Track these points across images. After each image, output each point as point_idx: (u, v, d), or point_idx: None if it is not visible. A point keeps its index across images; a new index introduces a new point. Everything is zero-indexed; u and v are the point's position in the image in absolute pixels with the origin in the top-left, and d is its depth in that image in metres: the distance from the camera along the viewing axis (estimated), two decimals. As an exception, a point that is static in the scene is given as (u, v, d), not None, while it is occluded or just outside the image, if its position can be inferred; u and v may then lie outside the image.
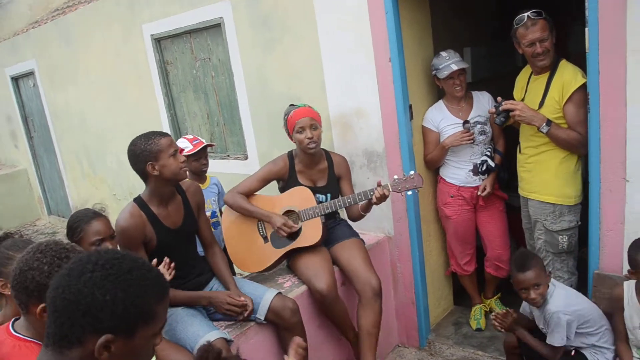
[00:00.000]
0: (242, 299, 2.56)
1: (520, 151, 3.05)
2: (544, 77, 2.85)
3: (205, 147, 3.24)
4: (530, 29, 2.73)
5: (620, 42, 2.42)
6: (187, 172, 2.60)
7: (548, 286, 2.49)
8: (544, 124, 2.73)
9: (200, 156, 3.24)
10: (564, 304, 2.43)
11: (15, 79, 7.48)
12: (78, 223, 2.33)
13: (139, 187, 2.59)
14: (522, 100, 2.92)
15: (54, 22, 6.32)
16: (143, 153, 2.41)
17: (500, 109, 2.80)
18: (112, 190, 6.26)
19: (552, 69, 2.83)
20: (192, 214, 2.65)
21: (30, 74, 7.01)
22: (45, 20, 6.95)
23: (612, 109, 2.47)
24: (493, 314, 2.73)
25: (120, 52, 5.24)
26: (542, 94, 2.81)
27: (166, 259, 2.42)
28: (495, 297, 3.73)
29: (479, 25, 4.29)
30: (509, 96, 3.00)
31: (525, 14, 2.75)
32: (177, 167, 2.43)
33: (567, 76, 2.73)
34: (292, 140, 3.00)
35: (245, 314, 2.57)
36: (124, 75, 5.31)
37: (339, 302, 2.94)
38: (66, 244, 1.62)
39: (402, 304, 3.63)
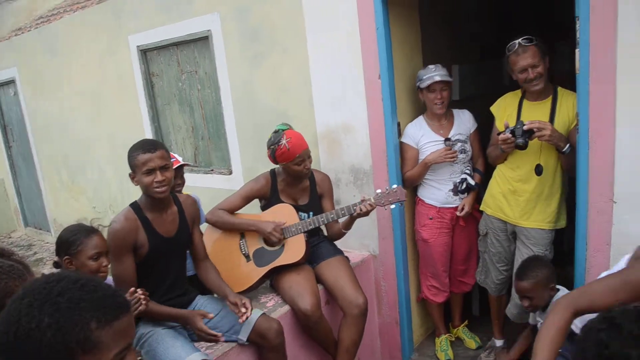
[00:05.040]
0: (214, 332, 2.46)
1: (503, 176, 3.02)
2: (546, 103, 2.85)
3: (181, 166, 3.12)
4: (521, 56, 2.74)
5: (610, 64, 2.43)
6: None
7: (550, 295, 2.51)
8: (568, 145, 2.72)
9: (175, 175, 3.11)
10: None
11: (-5, 87, 7.36)
12: (77, 236, 2.29)
13: (120, 200, 2.53)
14: None
15: (37, 30, 6.24)
16: (128, 162, 2.40)
17: (525, 128, 2.70)
18: (92, 203, 6.14)
19: (554, 95, 2.84)
20: (186, 226, 2.61)
21: (11, 82, 6.89)
22: (29, 28, 6.85)
23: (602, 130, 2.48)
24: None
25: (105, 62, 5.18)
26: (549, 120, 2.79)
27: (139, 292, 2.28)
28: (462, 325, 3.69)
29: (467, 44, 4.33)
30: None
31: (517, 41, 2.76)
32: (149, 184, 2.35)
33: (571, 102, 2.74)
34: (279, 165, 2.96)
35: (220, 340, 2.51)
36: (108, 86, 5.25)
37: (323, 321, 2.89)
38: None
39: (386, 323, 3.58)
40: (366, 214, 2.78)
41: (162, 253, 2.49)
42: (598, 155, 2.52)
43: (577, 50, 2.52)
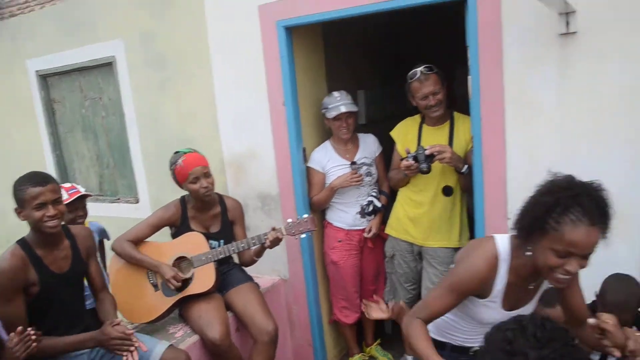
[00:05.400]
0: (131, 331, 2.33)
1: (408, 199, 3.14)
2: (444, 128, 3.02)
3: (82, 197, 3.00)
4: (423, 84, 2.90)
5: (498, 90, 2.65)
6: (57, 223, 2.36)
7: None
8: (466, 166, 2.88)
9: (77, 207, 2.98)
10: None
11: None
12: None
13: (19, 234, 2.39)
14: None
15: None
16: (14, 197, 2.27)
17: (427, 153, 2.82)
18: (-12, 236, 5.75)
19: (451, 119, 3.02)
20: (80, 259, 2.49)
21: None
22: None
23: (494, 152, 2.68)
24: None
25: (0, 87, 4.91)
26: (448, 144, 2.94)
27: (29, 330, 2.13)
28: (375, 344, 3.75)
29: (372, 70, 4.50)
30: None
31: (418, 69, 2.91)
32: (40, 219, 2.23)
33: (467, 126, 2.90)
34: (182, 188, 2.93)
35: (134, 348, 2.32)
36: (4, 112, 4.97)
37: (233, 349, 2.86)
38: None
39: (299, 346, 3.60)
40: (276, 243, 2.81)
41: (56, 290, 2.36)
42: (491, 175, 2.71)
43: (469, 77, 2.72)
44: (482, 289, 1.72)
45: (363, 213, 3.32)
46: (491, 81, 2.66)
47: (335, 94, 3.24)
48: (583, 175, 2.51)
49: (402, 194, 3.17)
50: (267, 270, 3.50)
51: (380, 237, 3.42)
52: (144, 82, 3.80)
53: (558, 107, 2.57)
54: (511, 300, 1.77)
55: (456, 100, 3.19)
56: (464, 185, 2.99)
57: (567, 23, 2.47)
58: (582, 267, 1.54)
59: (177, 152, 2.93)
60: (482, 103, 2.69)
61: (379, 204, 3.32)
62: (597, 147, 2.53)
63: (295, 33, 3.17)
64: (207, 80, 3.43)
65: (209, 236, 2.94)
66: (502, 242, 1.71)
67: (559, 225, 1.48)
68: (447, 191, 2.99)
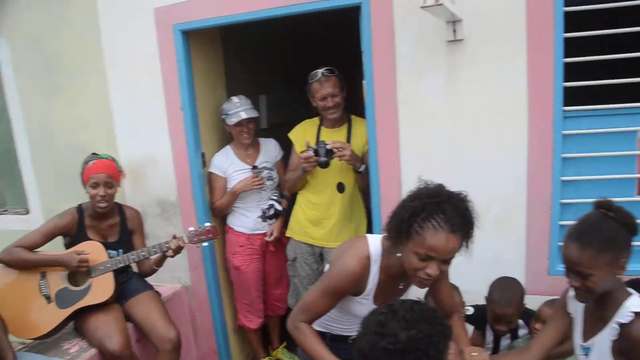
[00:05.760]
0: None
1: (307, 201, 3.20)
2: (342, 130, 3.12)
3: None
4: (323, 85, 2.98)
5: (391, 94, 2.77)
6: None
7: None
8: (364, 166, 2.97)
9: None
10: None
11: None
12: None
13: None
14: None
15: None
16: None
17: (328, 147, 2.89)
18: None
19: (349, 122, 3.11)
20: None
21: None
22: None
23: (388, 153, 2.80)
24: None
25: None
26: None
27: None
28: (281, 347, 3.78)
29: (275, 74, 4.54)
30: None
31: (319, 71, 3.00)
32: None
33: (363, 129, 2.98)
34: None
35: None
36: None
37: (134, 360, 2.79)
38: None
39: (204, 354, 3.55)
40: (178, 251, 2.77)
41: None
42: (387, 176, 2.83)
43: (364, 82, 2.83)
44: (356, 288, 1.79)
45: (264, 217, 3.34)
46: (385, 86, 2.78)
47: (235, 99, 3.25)
48: (472, 176, 2.73)
49: (301, 197, 3.23)
50: (168, 278, 3.42)
51: (282, 241, 3.45)
52: (32, 88, 3.59)
53: (447, 111, 2.74)
54: (383, 297, 1.85)
55: (361, 104, 3.28)
56: (361, 185, 3.09)
57: (454, 31, 2.64)
58: (443, 271, 1.63)
59: (94, 154, 2.87)
60: (377, 107, 2.81)
61: (280, 208, 3.35)
62: (484, 150, 2.72)
63: (193, 37, 3.15)
64: (101, 84, 3.31)
65: (107, 245, 2.85)
66: (374, 242, 1.79)
67: (422, 230, 1.56)
68: (340, 188, 3.07)
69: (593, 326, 1.68)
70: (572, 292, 1.74)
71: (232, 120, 3.19)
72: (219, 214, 3.39)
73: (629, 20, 2.55)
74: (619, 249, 1.56)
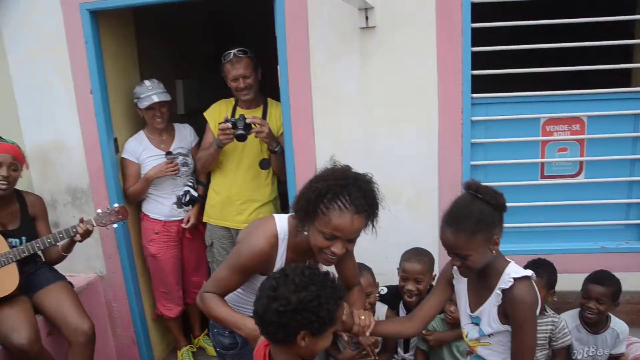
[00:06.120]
0: None
1: (220, 184, 3.17)
2: (257, 111, 3.09)
3: None
4: (235, 66, 2.96)
5: (306, 79, 2.78)
6: None
7: None
8: (279, 146, 2.96)
9: None
10: None
11: None
12: None
13: None
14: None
15: None
16: None
17: (248, 121, 2.84)
18: None
19: (265, 104, 3.10)
20: None
21: None
22: None
23: (303, 137, 2.82)
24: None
25: None
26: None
27: None
28: (203, 334, 3.75)
29: (193, 60, 4.43)
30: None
31: (232, 52, 2.97)
32: None
33: (279, 112, 3.00)
34: None
35: None
36: None
37: (45, 355, 2.68)
38: None
39: (123, 344, 3.47)
40: (87, 235, 2.67)
41: None
42: (302, 160, 2.86)
43: (279, 67, 2.82)
44: (264, 266, 1.81)
45: (180, 203, 3.28)
46: (299, 71, 2.79)
47: (147, 82, 3.16)
48: (385, 161, 2.80)
49: (214, 181, 3.21)
50: (82, 268, 3.31)
51: (199, 228, 3.41)
52: None
53: (361, 97, 2.79)
54: None
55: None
56: (276, 167, 3.08)
57: (367, 18, 2.68)
58: (348, 249, 1.71)
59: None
60: (291, 92, 2.82)
61: (195, 194, 3.29)
62: (397, 135, 2.80)
63: (102, 17, 3.02)
64: (2, 67, 3.11)
65: (7, 234, 2.70)
66: (281, 221, 1.83)
67: (328, 211, 1.62)
68: (263, 164, 3.06)
69: (479, 296, 1.80)
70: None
71: (144, 104, 3.10)
72: (133, 201, 3.29)
73: (535, 13, 2.69)
74: (490, 228, 1.67)
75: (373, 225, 1.70)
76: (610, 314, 2.66)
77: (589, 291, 2.57)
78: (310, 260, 1.91)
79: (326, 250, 1.69)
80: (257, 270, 1.82)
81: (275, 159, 3.04)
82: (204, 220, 3.28)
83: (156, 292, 3.48)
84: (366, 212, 1.65)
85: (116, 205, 2.76)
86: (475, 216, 1.64)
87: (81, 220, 2.66)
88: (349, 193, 1.62)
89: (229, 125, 2.86)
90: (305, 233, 1.73)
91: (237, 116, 3.00)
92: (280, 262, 1.83)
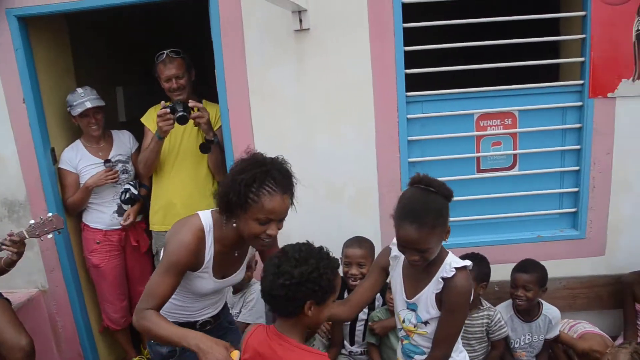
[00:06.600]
0: None
1: (162, 188, 3.12)
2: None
3: None
4: (167, 66, 2.95)
5: (243, 82, 2.80)
6: None
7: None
8: (215, 136, 2.93)
9: None
10: None
11: None
12: None
13: None
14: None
15: None
16: None
17: (190, 105, 2.80)
18: None
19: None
20: None
21: None
22: None
23: (242, 139, 2.83)
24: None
25: None
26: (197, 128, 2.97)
27: None
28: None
29: (133, 67, 4.36)
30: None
31: (165, 52, 2.96)
32: None
33: (213, 112, 2.99)
34: None
35: None
36: None
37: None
38: None
39: (69, 359, 3.38)
40: (20, 248, 2.57)
41: None
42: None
43: (216, 71, 2.82)
44: (195, 262, 1.82)
45: (121, 211, 3.22)
46: (236, 75, 2.80)
47: (79, 90, 3.09)
48: (325, 161, 2.83)
49: (154, 187, 3.17)
50: (23, 283, 3.20)
51: (144, 237, 3.36)
52: None
53: (298, 99, 2.82)
54: (221, 268, 1.93)
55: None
56: (212, 162, 3.03)
57: (300, 20, 2.70)
58: (279, 229, 1.78)
59: None
60: (229, 96, 2.83)
61: (135, 192, 3.21)
62: (335, 135, 2.84)
63: (33, 24, 2.95)
64: None
65: None
66: (205, 217, 1.85)
67: (259, 198, 1.68)
68: (204, 148, 2.98)
69: (417, 283, 1.85)
70: (394, 253, 1.92)
71: (77, 111, 3.03)
72: (74, 212, 3.21)
73: (465, 12, 2.78)
74: (446, 220, 1.73)
75: (292, 202, 1.78)
76: (542, 301, 2.77)
77: (516, 280, 2.69)
78: (237, 251, 1.94)
79: (262, 236, 1.75)
80: (189, 266, 1.82)
81: (212, 162, 3.01)
82: (150, 229, 3.22)
83: (102, 304, 3.40)
84: (290, 190, 1.74)
85: (50, 214, 2.67)
86: (435, 210, 1.69)
87: (10, 234, 2.56)
88: (273, 177, 1.70)
89: (168, 110, 2.81)
90: (234, 225, 1.77)
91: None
92: (209, 254, 1.85)
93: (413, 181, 1.78)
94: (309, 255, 1.56)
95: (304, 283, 1.52)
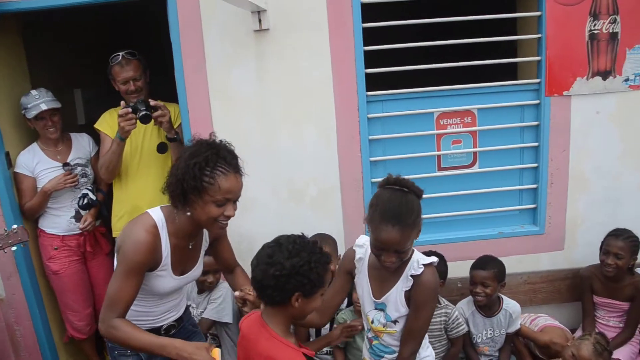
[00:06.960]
0: None
1: (124, 193, 3.08)
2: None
3: None
4: (124, 68, 2.90)
5: (203, 84, 2.78)
6: None
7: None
8: (177, 134, 2.90)
9: None
10: None
11: None
12: None
13: None
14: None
15: None
16: None
17: (152, 104, 2.75)
18: None
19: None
20: None
21: None
22: None
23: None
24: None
25: None
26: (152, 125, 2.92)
27: None
28: None
29: (92, 69, 4.28)
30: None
31: (120, 54, 2.90)
32: None
33: (174, 111, 2.94)
34: None
35: None
36: None
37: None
38: None
39: (29, 369, 3.29)
40: None
41: None
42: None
43: (175, 71, 2.80)
44: (153, 260, 1.80)
45: (79, 217, 3.14)
46: (196, 75, 2.78)
47: (34, 92, 3.01)
48: (287, 160, 2.83)
49: (116, 193, 3.11)
50: (-22, 292, 3.11)
51: (100, 240, 3.30)
52: None
53: (259, 99, 2.81)
54: (179, 264, 1.92)
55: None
56: (174, 159, 2.98)
57: (260, 21, 2.69)
58: (235, 209, 1.79)
59: None
60: (189, 96, 2.81)
61: (93, 197, 3.15)
62: (297, 135, 2.83)
63: (-18, 25, 2.87)
64: None
65: None
66: (155, 212, 1.85)
67: (214, 180, 1.70)
68: (161, 148, 2.98)
69: (384, 283, 1.87)
70: (358, 255, 1.94)
71: (32, 114, 2.95)
72: (31, 217, 3.12)
73: (426, 12, 2.81)
74: (421, 218, 1.75)
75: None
76: (503, 296, 2.82)
77: (474, 277, 2.73)
78: (191, 243, 1.94)
79: (220, 218, 1.77)
80: (149, 265, 1.80)
81: (174, 148, 2.97)
82: (114, 236, 3.14)
83: (64, 313, 3.30)
84: (240, 169, 1.78)
85: (15, 226, 2.59)
86: (415, 210, 1.71)
87: None
88: (223, 157, 1.73)
89: (130, 110, 2.76)
90: (188, 214, 1.78)
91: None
92: (166, 250, 1.83)
93: (386, 182, 1.77)
94: (302, 249, 1.60)
95: (294, 275, 1.56)
